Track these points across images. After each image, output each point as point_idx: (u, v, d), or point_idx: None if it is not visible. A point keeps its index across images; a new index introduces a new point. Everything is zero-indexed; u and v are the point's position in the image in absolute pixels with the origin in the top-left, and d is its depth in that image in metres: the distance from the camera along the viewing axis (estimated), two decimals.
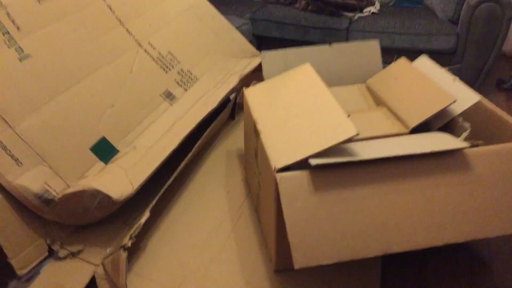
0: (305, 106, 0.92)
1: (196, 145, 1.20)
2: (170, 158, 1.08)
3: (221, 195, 1.17)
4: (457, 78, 0.97)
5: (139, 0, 1.30)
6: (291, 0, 2.20)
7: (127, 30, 1.22)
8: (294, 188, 0.77)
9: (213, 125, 1.31)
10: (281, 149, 0.84)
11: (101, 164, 1.01)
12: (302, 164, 0.80)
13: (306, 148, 0.80)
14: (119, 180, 0.98)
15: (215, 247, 1.00)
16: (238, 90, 1.47)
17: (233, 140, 1.41)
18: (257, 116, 0.95)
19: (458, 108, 0.92)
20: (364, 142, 0.88)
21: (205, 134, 1.25)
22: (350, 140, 0.78)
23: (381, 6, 2.22)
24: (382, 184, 0.80)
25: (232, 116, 1.52)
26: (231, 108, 1.50)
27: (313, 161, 0.78)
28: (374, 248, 0.76)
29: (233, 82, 1.38)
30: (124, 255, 0.86)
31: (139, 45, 1.23)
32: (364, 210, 0.78)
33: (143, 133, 1.12)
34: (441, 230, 0.79)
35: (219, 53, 1.43)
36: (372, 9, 2.15)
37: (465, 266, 0.98)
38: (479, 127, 0.96)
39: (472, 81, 1.93)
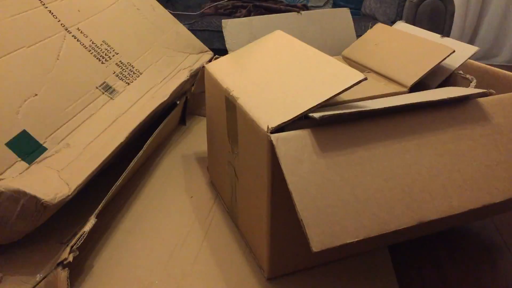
0: (289, 65, 0.76)
1: (147, 142, 0.99)
2: (116, 165, 0.87)
3: (184, 200, 0.95)
4: (445, 36, 0.89)
5: None
6: (230, 10, 2.11)
7: (50, 11, 1.01)
8: (297, 151, 0.59)
9: (164, 122, 1.11)
10: (269, 110, 0.66)
11: (23, 164, 0.76)
12: (298, 125, 0.63)
13: (304, 103, 0.64)
14: (50, 181, 0.74)
15: (186, 260, 0.78)
16: (187, 90, 1.29)
17: (188, 145, 1.21)
18: (229, 85, 0.78)
19: (456, 62, 0.82)
20: (366, 101, 0.74)
21: (155, 133, 1.05)
22: (359, 83, 0.63)
23: None
24: (399, 139, 0.65)
25: (182, 121, 1.32)
26: (180, 113, 1.31)
27: (317, 114, 0.61)
28: (406, 217, 0.60)
29: (183, 76, 1.20)
30: (63, 274, 0.61)
31: (67, 30, 1.02)
32: (385, 171, 0.62)
33: (78, 129, 0.89)
34: (474, 189, 0.65)
35: (163, 47, 1.25)
36: None
37: (482, 253, 0.85)
38: (477, 86, 0.87)
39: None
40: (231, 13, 2.07)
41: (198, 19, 2.06)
